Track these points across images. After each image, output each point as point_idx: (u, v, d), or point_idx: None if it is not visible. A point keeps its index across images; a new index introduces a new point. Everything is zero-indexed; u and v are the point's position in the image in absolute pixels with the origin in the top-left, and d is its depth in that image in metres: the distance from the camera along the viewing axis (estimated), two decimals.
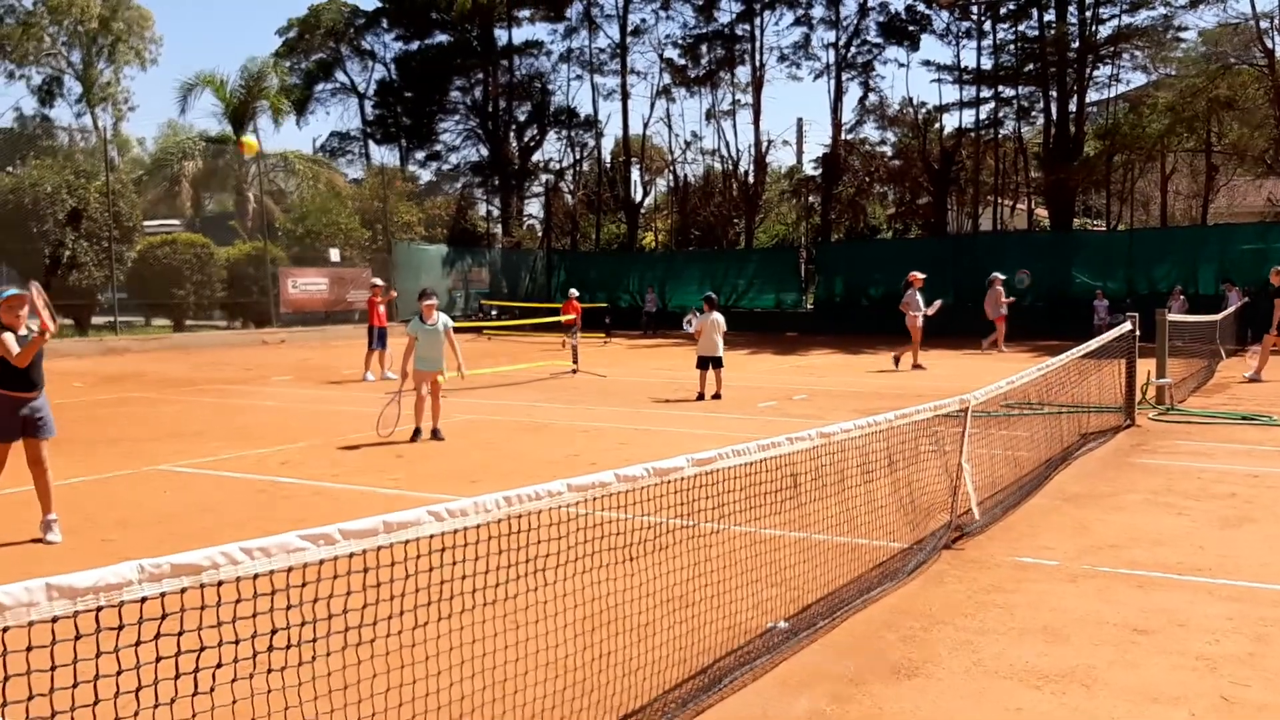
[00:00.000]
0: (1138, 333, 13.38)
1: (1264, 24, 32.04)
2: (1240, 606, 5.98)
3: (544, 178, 48.25)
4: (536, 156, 48.02)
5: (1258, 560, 7.00)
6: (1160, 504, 8.72)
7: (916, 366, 21.01)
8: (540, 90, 46.76)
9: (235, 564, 2.71)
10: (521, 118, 47.36)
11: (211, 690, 2.86)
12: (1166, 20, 34.90)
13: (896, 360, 21.22)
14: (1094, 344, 11.88)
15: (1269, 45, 31.91)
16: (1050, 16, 35.54)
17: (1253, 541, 7.50)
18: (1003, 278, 25.67)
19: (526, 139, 47.58)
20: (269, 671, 3.00)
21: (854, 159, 40.46)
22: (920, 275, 21.65)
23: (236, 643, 2.89)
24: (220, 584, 2.70)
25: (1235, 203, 40.60)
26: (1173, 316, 15.81)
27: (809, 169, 44.82)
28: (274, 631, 2.96)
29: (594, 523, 4.34)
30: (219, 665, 2.85)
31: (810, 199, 42.54)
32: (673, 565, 4.93)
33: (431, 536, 3.22)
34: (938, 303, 21.75)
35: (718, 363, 16.12)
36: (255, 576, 2.76)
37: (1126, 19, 35.19)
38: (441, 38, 47.01)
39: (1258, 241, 29.86)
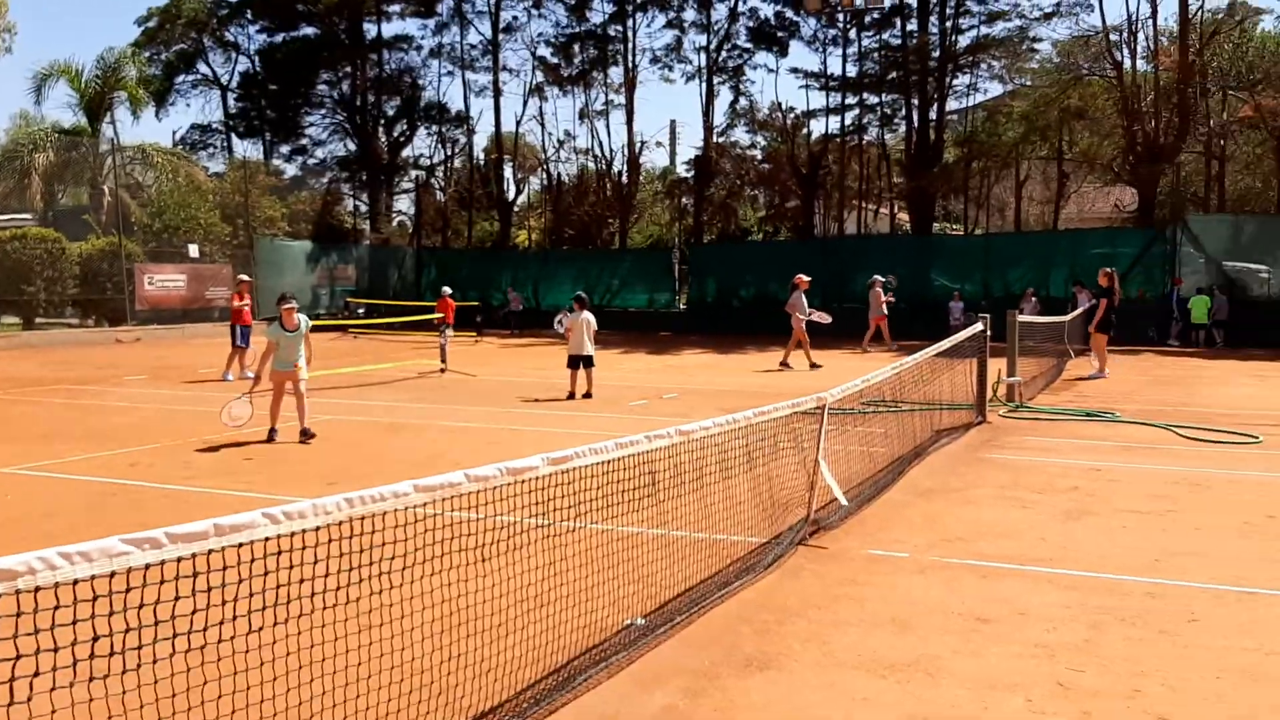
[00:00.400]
0: (989, 333, 13.87)
1: (1113, 36, 33.61)
2: (1077, 595, 6.24)
3: (414, 174, 47.64)
4: (406, 152, 47.40)
5: (1095, 551, 7.31)
6: (1007, 497, 9.05)
7: (784, 365, 21.34)
8: (410, 85, 46.12)
9: (54, 569, 2.60)
10: (391, 112, 46.64)
11: (29, 700, 2.73)
12: (1022, 32, 36.34)
13: (812, 365, 21.33)
14: (946, 344, 12.27)
15: (1118, 57, 33.49)
16: (913, 26, 36.61)
17: (1091, 533, 7.84)
18: (883, 280, 26.52)
19: (396, 134, 46.88)
20: (91, 680, 2.88)
21: (725, 162, 40.99)
22: (806, 278, 22.00)
23: (55, 650, 2.77)
24: (38, 590, 2.58)
25: (1085, 209, 42.50)
26: (1023, 318, 16.41)
27: (682, 171, 45.29)
28: (96, 639, 2.84)
29: (445, 524, 4.29)
30: (36, 674, 2.73)
31: (683, 200, 42.95)
32: (528, 565, 4.91)
33: (267, 539, 3.13)
34: (828, 319, 22.12)
35: (588, 362, 16.13)
36: (75, 582, 2.64)
37: (984, 30, 36.53)
38: (308, 30, 45.98)
39: (1105, 246, 31.27)
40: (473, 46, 44.46)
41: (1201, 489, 9.51)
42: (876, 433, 10.71)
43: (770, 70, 55.40)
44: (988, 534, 7.75)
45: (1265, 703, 4.69)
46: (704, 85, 40.00)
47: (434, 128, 46.17)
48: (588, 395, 15.96)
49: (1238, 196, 37.65)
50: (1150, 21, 34.45)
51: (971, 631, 5.59)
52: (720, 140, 40.75)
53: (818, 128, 40.20)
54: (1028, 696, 4.73)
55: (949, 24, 36.19)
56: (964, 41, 36.70)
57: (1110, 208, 41.24)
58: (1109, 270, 19.70)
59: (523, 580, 4.84)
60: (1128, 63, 33.74)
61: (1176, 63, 33.05)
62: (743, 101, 40.78)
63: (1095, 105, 35.57)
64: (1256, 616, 5.89)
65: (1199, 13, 33.36)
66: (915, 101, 36.69)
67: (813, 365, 21.05)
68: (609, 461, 4.91)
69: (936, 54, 36.15)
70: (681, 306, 37.54)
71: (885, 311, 26.14)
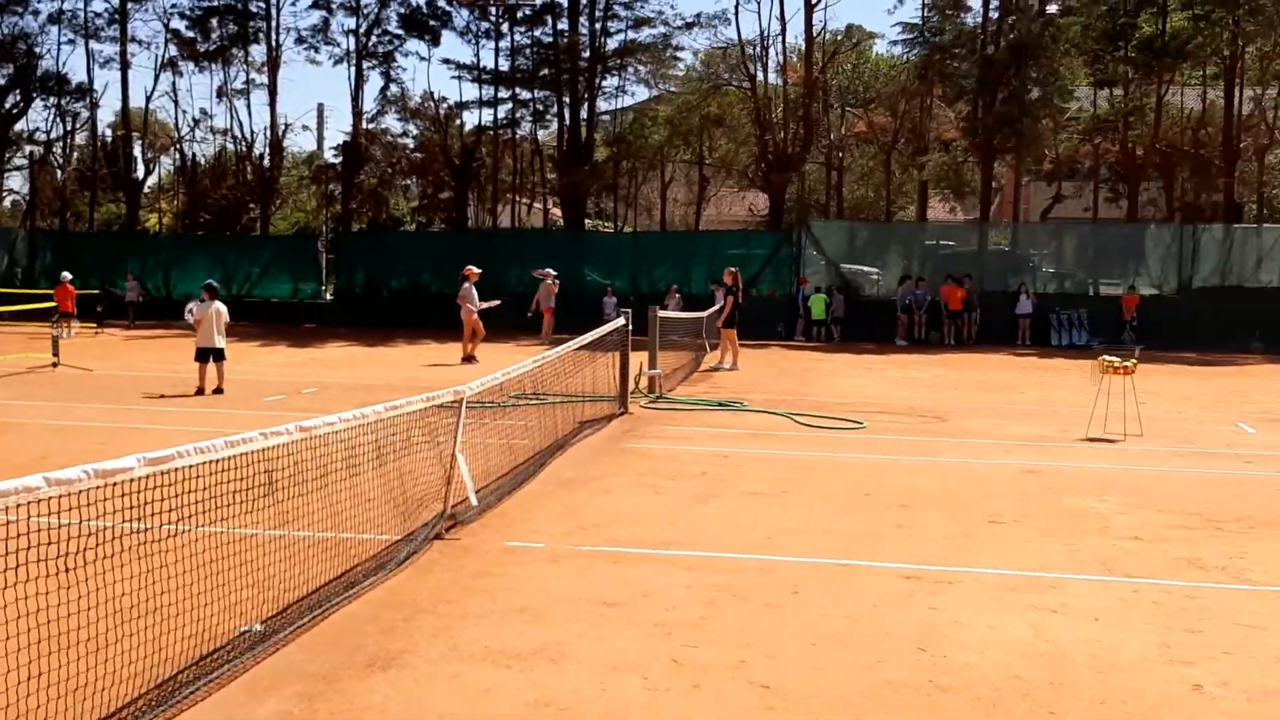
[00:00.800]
0: (630, 327, 14.37)
1: (749, 50, 35.83)
2: (697, 575, 6.57)
3: (29, 149, 43.10)
4: (20, 126, 42.74)
5: (718, 532, 7.75)
6: (643, 485, 9.41)
7: (467, 359, 20.86)
8: (25, 53, 41.57)
9: None
10: (2, 82, 41.91)
11: None
12: (666, 39, 37.90)
13: (464, 358, 20.96)
14: (589, 337, 12.61)
15: (752, 70, 35.72)
16: (564, 25, 37.28)
17: (715, 515, 8.29)
18: (553, 273, 26.95)
19: (8, 106, 42.20)
20: None
21: (376, 149, 40.03)
22: (476, 270, 21.76)
23: None
24: None
25: (724, 211, 45.11)
26: (664, 313, 17.16)
27: (330, 156, 43.76)
28: None
29: (20, 532, 3.86)
30: None
31: (331, 187, 41.52)
32: (124, 574, 4.53)
33: None
34: (496, 302, 21.96)
35: (219, 355, 15.25)
36: None
37: (632, 35, 37.77)
38: None
39: (741, 247, 33.32)
40: (97, 14, 40.78)
41: (813, 471, 10.32)
42: (517, 425, 10.79)
43: (423, 59, 54.54)
44: (622, 520, 8.02)
45: (851, 664, 5.14)
46: (353, 70, 38.91)
47: (52, 100, 41.98)
48: (219, 391, 15.07)
49: (854, 205, 41.30)
50: (780, 39, 37.10)
51: (598, 616, 5.74)
52: (371, 127, 39.76)
53: (471, 119, 40.20)
54: (645, 675, 4.91)
55: (598, 26, 37.16)
56: (612, 44, 37.85)
57: (745, 211, 44.00)
58: (733, 270, 20.99)
59: (117, 590, 4.47)
60: (761, 76, 36.15)
61: (803, 78, 35.75)
62: (394, 88, 39.97)
63: (733, 114, 37.82)
64: (849, 586, 6.45)
65: (822, 34, 36.26)
66: (567, 99, 37.41)
67: (465, 359, 20.92)
68: (219, 461, 4.62)
69: (587, 54, 37.03)
70: (328, 297, 36.34)
71: (554, 304, 26.78)
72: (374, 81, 39.80)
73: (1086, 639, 5.60)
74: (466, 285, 21.38)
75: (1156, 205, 34.55)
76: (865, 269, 32.90)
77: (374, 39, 39.05)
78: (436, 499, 7.46)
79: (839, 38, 38.11)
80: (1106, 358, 13.34)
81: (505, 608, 5.84)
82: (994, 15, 33.20)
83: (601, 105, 38.70)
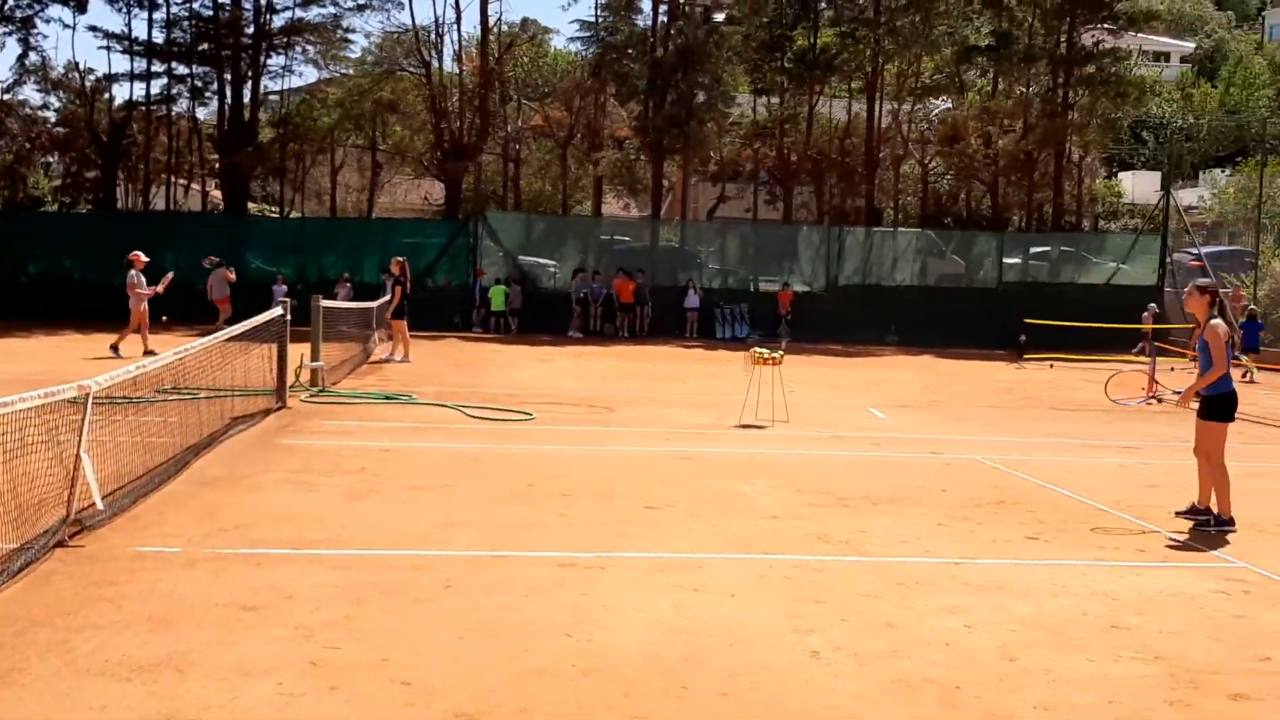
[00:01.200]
0: (289, 317, 13.79)
1: (423, 36, 35.29)
2: (346, 574, 6.39)
3: None
4: None
5: (372, 529, 7.57)
6: (295, 482, 9.05)
7: (148, 352, 18.94)
8: None
9: None
10: None
11: None
12: (336, 20, 36.67)
13: (146, 351, 18.93)
14: (240, 328, 11.99)
15: (427, 57, 35.22)
16: None
17: (371, 512, 8.10)
18: (219, 260, 25.42)
19: None
20: None
21: (12, 122, 36.26)
22: (143, 257, 20.01)
23: None
24: None
25: (398, 199, 44.27)
26: (330, 303, 16.59)
27: None
28: None
29: None
30: None
31: None
32: None
33: None
34: (168, 276, 20.25)
35: None
36: None
37: (300, 13, 36.21)
38: None
39: (416, 236, 32.89)
40: None
41: (479, 463, 10.32)
42: (155, 422, 10.04)
43: (67, 26, 49.83)
44: (268, 520, 7.67)
45: (498, 654, 5.16)
46: None
47: None
48: None
49: (531, 197, 41.61)
50: (456, 26, 36.79)
51: (234, 621, 5.46)
52: (6, 98, 35.94)
53: (121, 93, 37.21)
54: (279, 680, 4.71)
55: (263, 2, 35.41)
56: (279, 21, 36.12)
57: (421, 200, 43.38)
58: (400, 259, 20.60)
59: None
60: (436, 63, 35.71)
61: (479, 68, 35.66)
62: (34, 57, 36.29)
63: (407, 100, 37.15)
64: (504, 577, 6.48)
65: (498, 24, 36.31)
66: (228, 77, 35.39)
67: (112, 347, 19.31)
68: None
69: (251, 30, 35.21)
70: None
71: (229, 292, 25.31)
72: (11, 49, 36.10)
73: (723, 615, 5.91)
74: (133, 272, 19.75)
75: (809, 208, 37.08)
76: (542, 261, 33.29)
77: (11, 2, 35.35)
78: (58, 504, 6.84)
79: (515, 30, 38.31)
80: (756, 349, 14.18)
81: (131, 617, 5.44)
82: (663, 20, 34.43)
83: (268, 85, 36.95)
